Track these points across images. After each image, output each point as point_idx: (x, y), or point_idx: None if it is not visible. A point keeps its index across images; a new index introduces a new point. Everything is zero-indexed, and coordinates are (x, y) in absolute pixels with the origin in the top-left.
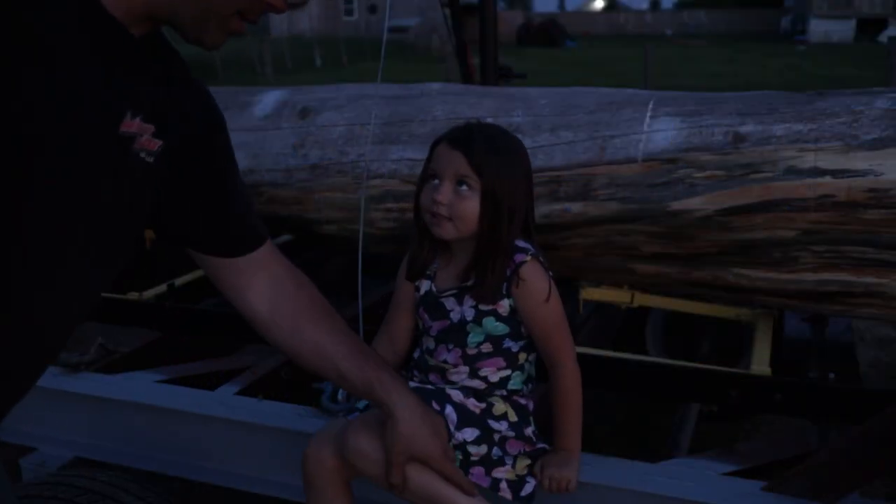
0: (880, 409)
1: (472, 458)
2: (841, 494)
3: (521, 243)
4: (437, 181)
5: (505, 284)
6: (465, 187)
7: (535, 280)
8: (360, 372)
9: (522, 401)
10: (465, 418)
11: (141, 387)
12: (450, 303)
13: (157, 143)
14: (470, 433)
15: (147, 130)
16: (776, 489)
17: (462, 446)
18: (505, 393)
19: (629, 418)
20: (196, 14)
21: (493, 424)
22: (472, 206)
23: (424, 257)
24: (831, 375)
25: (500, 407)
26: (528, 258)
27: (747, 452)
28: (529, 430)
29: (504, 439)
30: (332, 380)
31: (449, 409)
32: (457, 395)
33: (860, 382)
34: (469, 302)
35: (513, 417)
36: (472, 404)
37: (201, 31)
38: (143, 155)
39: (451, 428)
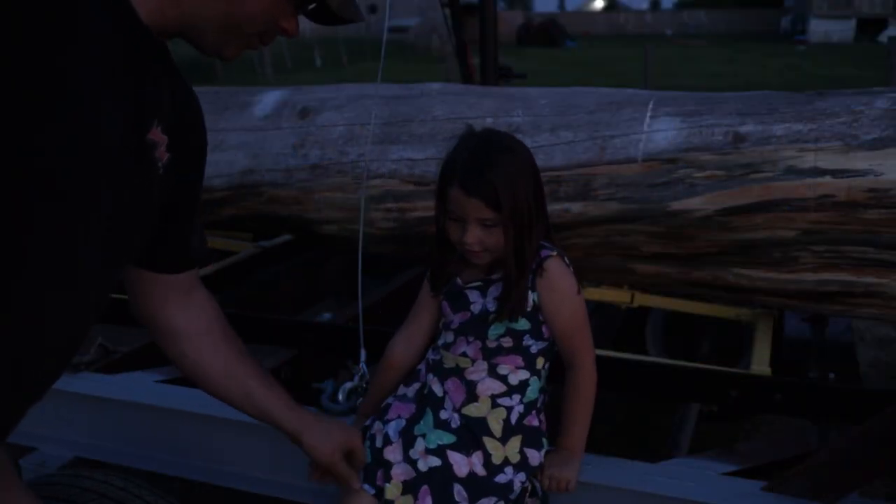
0: (880, 409)
1: None
2: (841, 494)
3: (545, 244)
4: (461, 223)
5: (530, 277)
6: (489, 221)
7: (558, 275)
8: (271, 396)
9: (535, 422)
10: (476, 489)
11: (141, 387)
12: (473, 295)
13: (167, 156)
14: (486, 501)
15: (163, 142)
16: (776, 489)
17: None
18: (522, 409)
19: (629, 418)
20: (221, 31)
21: (500, 479)
22: (499, 237)
23: (450, 270)
24: (831, 375)
25: (499, 453)
26: (554, 254)
27: (747, 452)
28: (537, 459)
29: (515, 481)
30: (235, 402)
31: (457, 490)
32: (459, 463)
33: (860, 382)
34: (493, 294)
35: (514, 458)
36: (477, 465)
37: (221, 46)
38: (159, 165)
39: None
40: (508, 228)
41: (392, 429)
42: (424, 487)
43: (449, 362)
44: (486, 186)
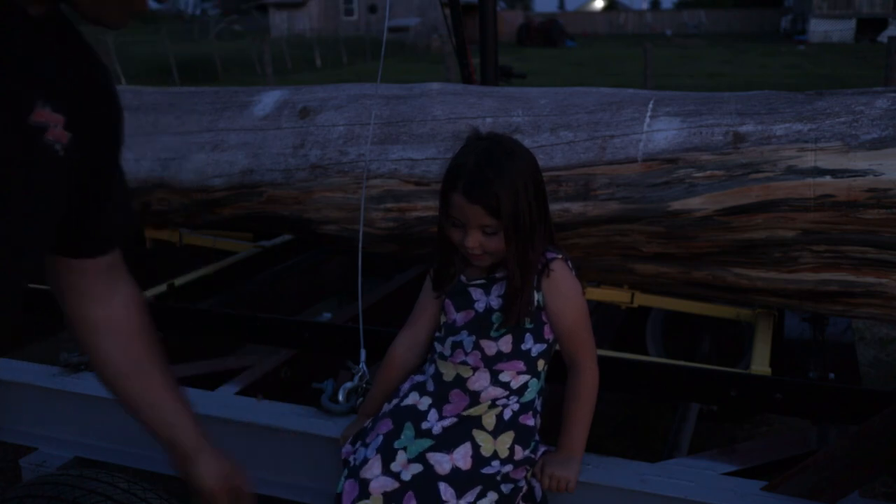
0: (880, 409)
1: None
2: (841, 494)
3: (550, 247)
4: (462, 227)
5: (536, 277)
6: (489, 228)
7: (563, 277)
8: (172, 411)
9: (530, 421)
10: (461, 483)
11: None
12: (476, 293)
13: (67, 136)
14: (472, 494)
15: (58, 122)
16: (776, 489)
17: None
18: (517, 407)
19: (629, 418)
20: None
21: (487, 470)
22: (500, 242)
23: (453, 272)
24: (831, 375)
25: (488, 446)
26: (559, 257)
27: (747, 452)
28: (526, 453)
29: (506, 474)
30: (134, 406)
31: (443, 488)
32: (440, 462)
33: (860, 382)
34: (497, 292)
35: (503, 453)
36: (460, 460)
37: (100, 10)
38: (57, 147)
39: (454, 501)
40: (510, 234)
41: (370, 448)
42: (409, 493)
43: (448, 374)
44: (488, 194)
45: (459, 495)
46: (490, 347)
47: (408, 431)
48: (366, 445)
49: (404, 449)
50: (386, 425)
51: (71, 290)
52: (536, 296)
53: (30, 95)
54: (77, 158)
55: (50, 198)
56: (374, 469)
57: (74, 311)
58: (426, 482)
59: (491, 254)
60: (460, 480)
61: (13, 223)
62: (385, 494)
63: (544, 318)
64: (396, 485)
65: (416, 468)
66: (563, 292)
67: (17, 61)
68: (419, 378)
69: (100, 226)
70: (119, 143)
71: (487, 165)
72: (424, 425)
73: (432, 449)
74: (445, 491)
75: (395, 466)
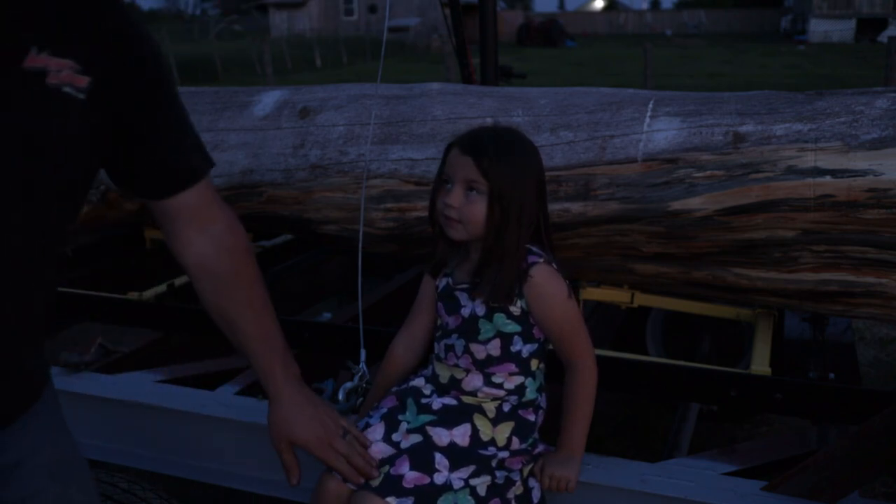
0: (880, 409)
1: (481, 494)
2: (841, 494)
3: (534, 249)
4: (449, 185)
5: (517, 284)
6: (474, 192)
7: (546, 282)
8: (257, 358)
9: (531, 416)
10: (456, 457)
11: (141, 387)
12: (463, 297)
13: (84, 80)
14: (465, 471)
15: (64, 66)
16: (776, 489)
17: (466, 486)
18: (516, 402)
19: (629, 418)
20: None
21: (483, 452)
22: (479, 210)
23: (442, 254)
24: (831, 375)
25: (487, 431)
26: (541, 261)
27: (747, 452)
28: (523, 445)
29: (501, 460)
30: (234, 345)
31: (438, 457)
32: (439, 435)
33: (860, 382)
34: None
35: (501, 441)
36: (458, 437)
37: None
38: (67, 90)
39: (447, 473)
40: (493, 207)
41: (374, 417)
42: (403, 457)
43: (444, 375)
44: (482, 149)
45: (453, 468)
46: (479, 351)
47: (411, 407)
48: (370, 416)
49: (407, 422)
50: (391, 401)
51: (166, 235)
52: (520, 302)
53: (22, 41)
54: (106, 99)
55: (70, 142)
56: (375, 434)
57: (176, 255)
58: (422, 449)
59: (464, 223)
60: (456, 455)
61: (31, 169)
62: (381, 460)
63: (532, 321)
64: (393, 451)
65: (416, 438)
66: (546, 298)
67: (7, 8)
68: (425, 372)
69: (161, 162)
70: (157, 78)
71: (491, 138)
72: (425, 401)
73: (432, 424)
74: (440, 461)
75: (396, 436)
